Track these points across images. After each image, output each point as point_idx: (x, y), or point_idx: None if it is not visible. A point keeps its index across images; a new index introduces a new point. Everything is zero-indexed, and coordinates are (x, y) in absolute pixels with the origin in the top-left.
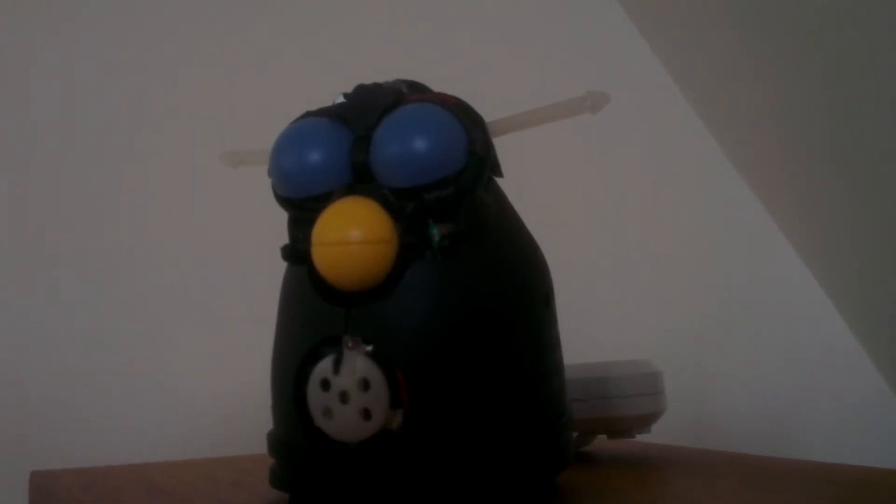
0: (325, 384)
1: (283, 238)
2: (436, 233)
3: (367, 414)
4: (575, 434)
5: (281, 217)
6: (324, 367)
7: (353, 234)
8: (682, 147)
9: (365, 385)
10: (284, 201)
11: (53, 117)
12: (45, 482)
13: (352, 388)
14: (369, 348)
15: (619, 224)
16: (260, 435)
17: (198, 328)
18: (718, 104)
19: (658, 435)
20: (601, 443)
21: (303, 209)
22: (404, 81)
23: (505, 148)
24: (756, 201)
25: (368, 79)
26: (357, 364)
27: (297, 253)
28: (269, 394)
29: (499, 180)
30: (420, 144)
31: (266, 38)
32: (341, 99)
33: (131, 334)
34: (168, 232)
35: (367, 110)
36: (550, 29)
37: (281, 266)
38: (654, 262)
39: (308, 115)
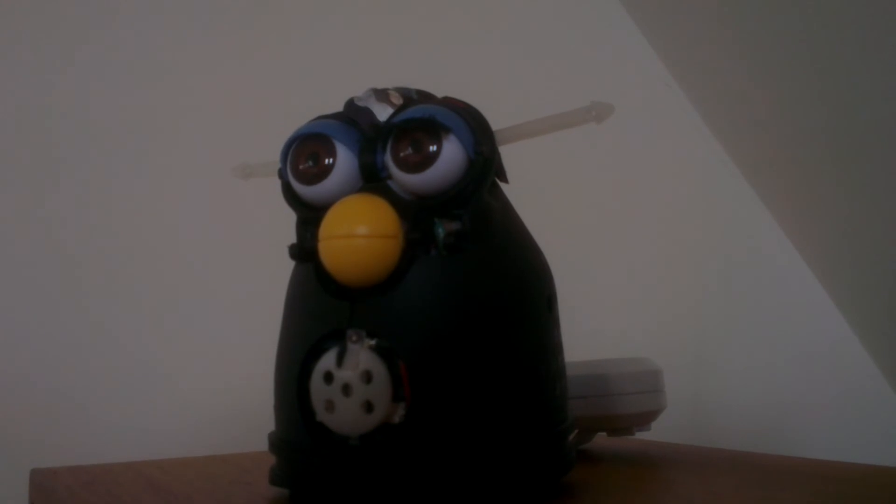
0: (328, 377)
1: (287, 237)
2: (441, 230)
3: (369, 406)
4: (575, 431)
5: (285, 216)
6: (327, 360)
7: (360, 229)
8: (682, 145)
9: (368, 378)
10: (294, 201)
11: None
12: (46, 480)
13: (354, 380)
14: (373, 342)
15: (620, 223)
16: (260, 433)
17: (198, 326)
18: (720, 104)
19: (658, 432)
20: (601, 440)
21: (312, 209)
22: (413, 89)
23: (508, 154)
24: (757, 200)
25: (376, 85)
26: (360, 357)
27: (305, 251)
28: (269, 392)
29: (503, 186)
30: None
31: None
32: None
33: (132, 332)
34: (169, 229)
35: (376, 113)
36: (553, 31)
37: (284, 265)
38: (654, 261)
39: (319, 118)
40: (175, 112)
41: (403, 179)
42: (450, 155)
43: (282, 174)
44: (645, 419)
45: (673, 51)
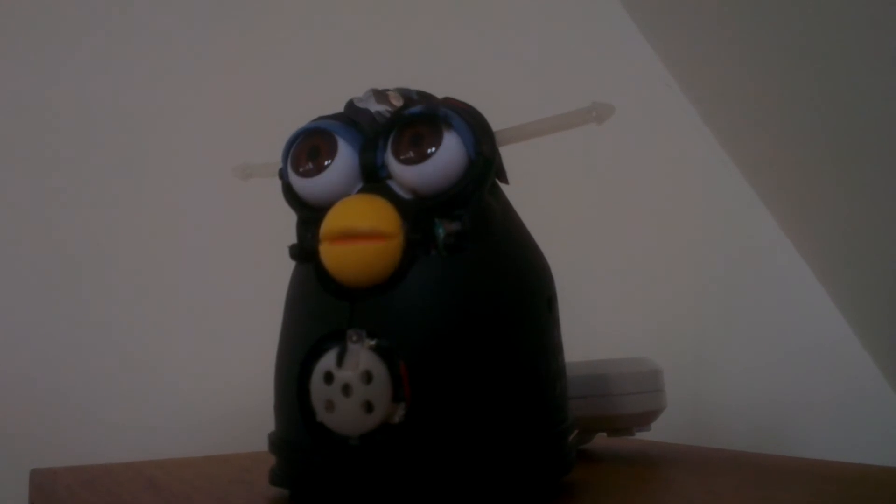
0: (329, 377)
1: (287, 238)
2: (441, 231)
3: (369, 406)
4: (575, 432)
5: (285, 217)
6: (327, 360)
7: (360, 229)
8: (682, 145)
9: (368, 378)
10: (294, 201)
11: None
12: (46, 480)
13: (354, 380)
14: (373, 342)
15: (620, 223)
16: (260, 433)
17: (199, 326)
18: (720, 104)
19: (658, 432)
20: (601, 440)
21: (312, 209)
22: (413, 90)
23: (508, 155)
24: (756, 199)
25: (376, 86)
26: (360, 357)
27: (305, 251)
28: (269, 392)
29: (503, 187)
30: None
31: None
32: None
33: (132, 332)
34: (170, 230)
35: (376, 113)
36: (553, 31)
37: (284, 265)
38: (654, 261)
39: (320, 118)
40: (175, 112)
41: (403, 173)
42: (450, 149)
43: (282, 174)
44: (645, 419)
45: (673, 51)
